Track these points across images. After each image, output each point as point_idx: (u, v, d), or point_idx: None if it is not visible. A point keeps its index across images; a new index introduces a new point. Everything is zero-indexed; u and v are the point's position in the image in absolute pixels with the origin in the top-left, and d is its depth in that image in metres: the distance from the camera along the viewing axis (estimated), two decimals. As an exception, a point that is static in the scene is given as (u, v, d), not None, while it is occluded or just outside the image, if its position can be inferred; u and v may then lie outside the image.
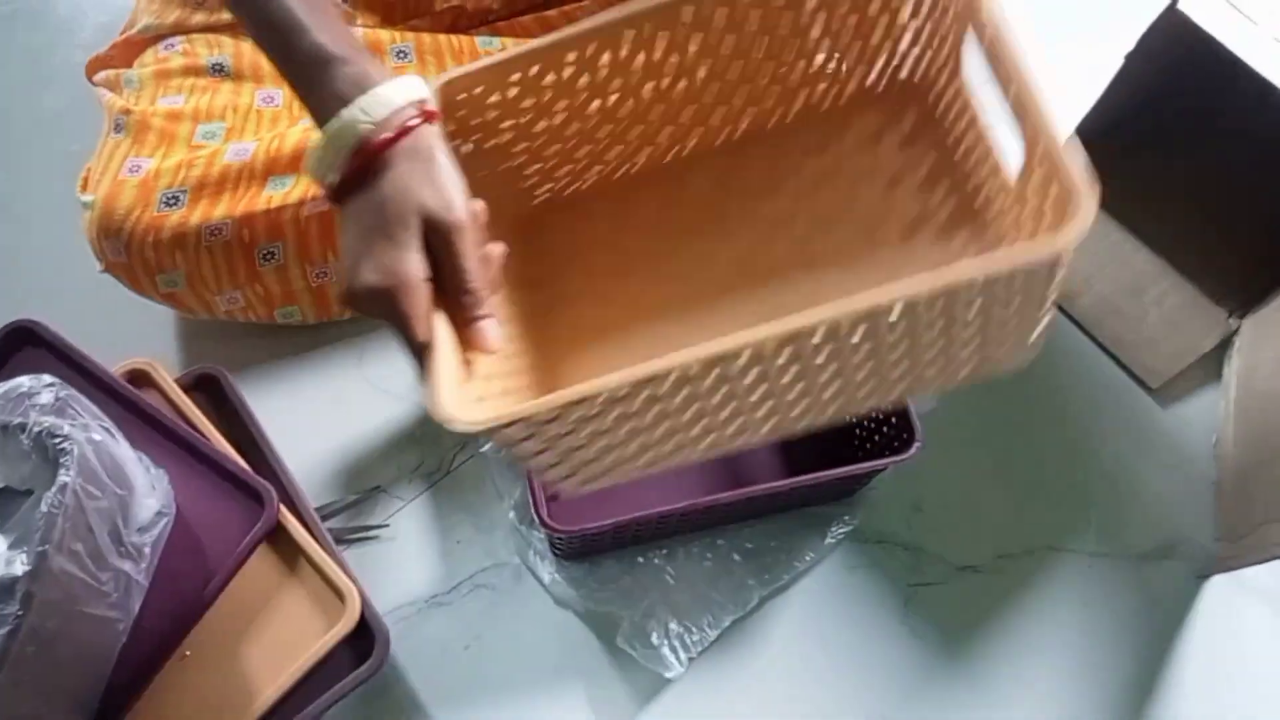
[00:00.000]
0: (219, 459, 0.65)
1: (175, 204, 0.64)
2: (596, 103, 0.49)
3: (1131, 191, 0.86)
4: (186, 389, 0.69)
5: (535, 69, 0.46)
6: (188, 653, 0.62)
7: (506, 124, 0.49)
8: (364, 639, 0.63)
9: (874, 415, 0.67)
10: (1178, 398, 0.78)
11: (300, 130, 0.67)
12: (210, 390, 0.70)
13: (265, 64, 0.71)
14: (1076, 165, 0.41)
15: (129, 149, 0.65)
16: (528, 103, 0.48)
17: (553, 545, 0.67)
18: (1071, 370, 0.79)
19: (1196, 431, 0.77)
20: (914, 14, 0.49)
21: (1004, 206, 0.47)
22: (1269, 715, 0.67)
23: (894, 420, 0.65)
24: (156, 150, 0.65)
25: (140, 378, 0.68)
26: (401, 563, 0.68)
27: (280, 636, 0.62)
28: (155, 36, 0.71)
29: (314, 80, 0.42)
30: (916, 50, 0.51)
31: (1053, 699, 0.66)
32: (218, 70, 0.70)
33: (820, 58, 0.50)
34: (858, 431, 0.70)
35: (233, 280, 0.68)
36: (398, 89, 0.41)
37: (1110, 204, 0.84)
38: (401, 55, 0.74)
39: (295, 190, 0.66)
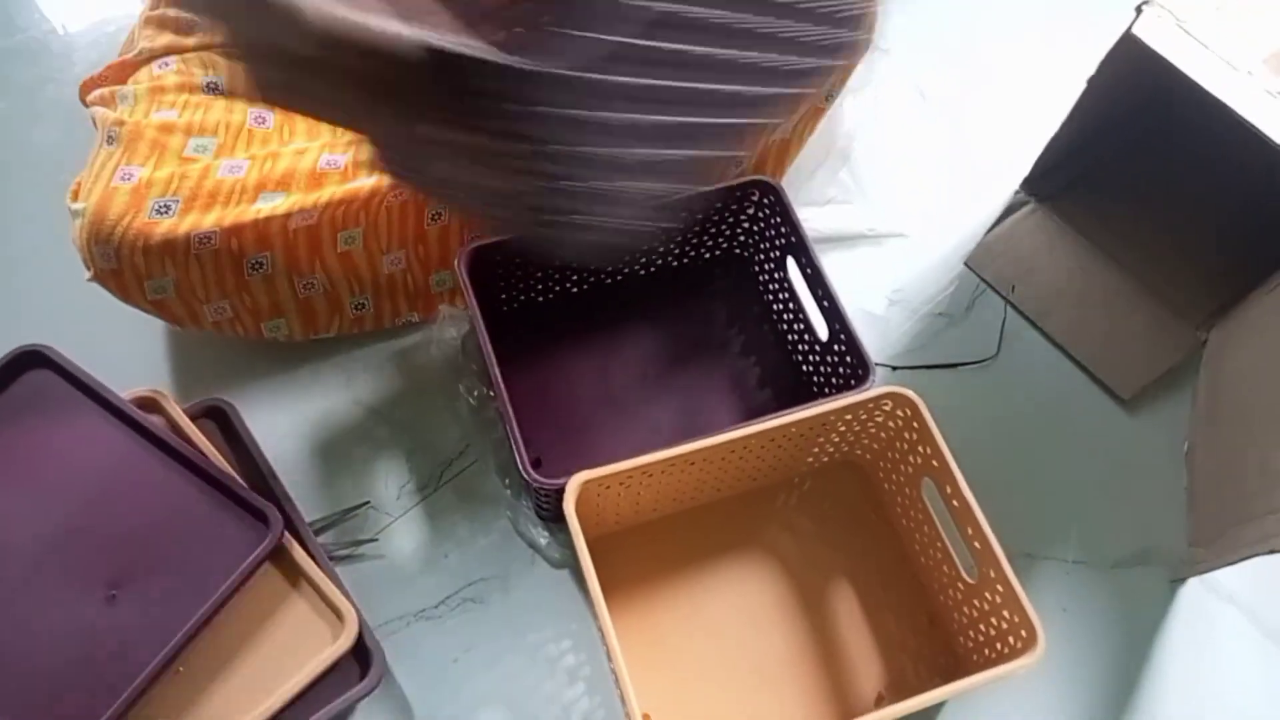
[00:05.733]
0: (226, 481, 0.66)
1: (166, 212, 0.65)
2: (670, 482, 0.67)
3: (1098, 210, 0.89)
4: (194, 418, 0.70)
5: (648, 472, 0.63)
6: (180, 669, 0.62)
7: (628, 490, 0.66)
8: (358, 657, 0.64)
9: (827, 361, 0.74)
10: (1149, 408, 0.80)
11: (291, 151, 0.69)
12: (217, 420, 0.72)
13: None
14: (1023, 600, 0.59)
15: (121, 158, 0.67)
16: (640, 480, 0.65)
17: (539, 508, 0.69)
18: (1046, 385, 0.81)
19: (1168, 440, 0.79)
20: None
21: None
22: (1241, 711, 0.69)
23: (849, 359, 0.70)
24: (148, 159, 0.67)
25: (149, 405, 0.70)
26: (389, 577, 0.69)
27: (276, 655, 0.63)
28: (149, 57, 0.73)
29: None
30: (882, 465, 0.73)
31: (1031, 700, 0.67)
32: (213, 89, 0.71)
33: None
34: (815, 379, 0.76)
35: (221, 289, 0.69)
36: None
37: (1078, 222, 0.88)
38: None
39: (283, 204, 0.67)
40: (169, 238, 0.65)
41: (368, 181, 0.69)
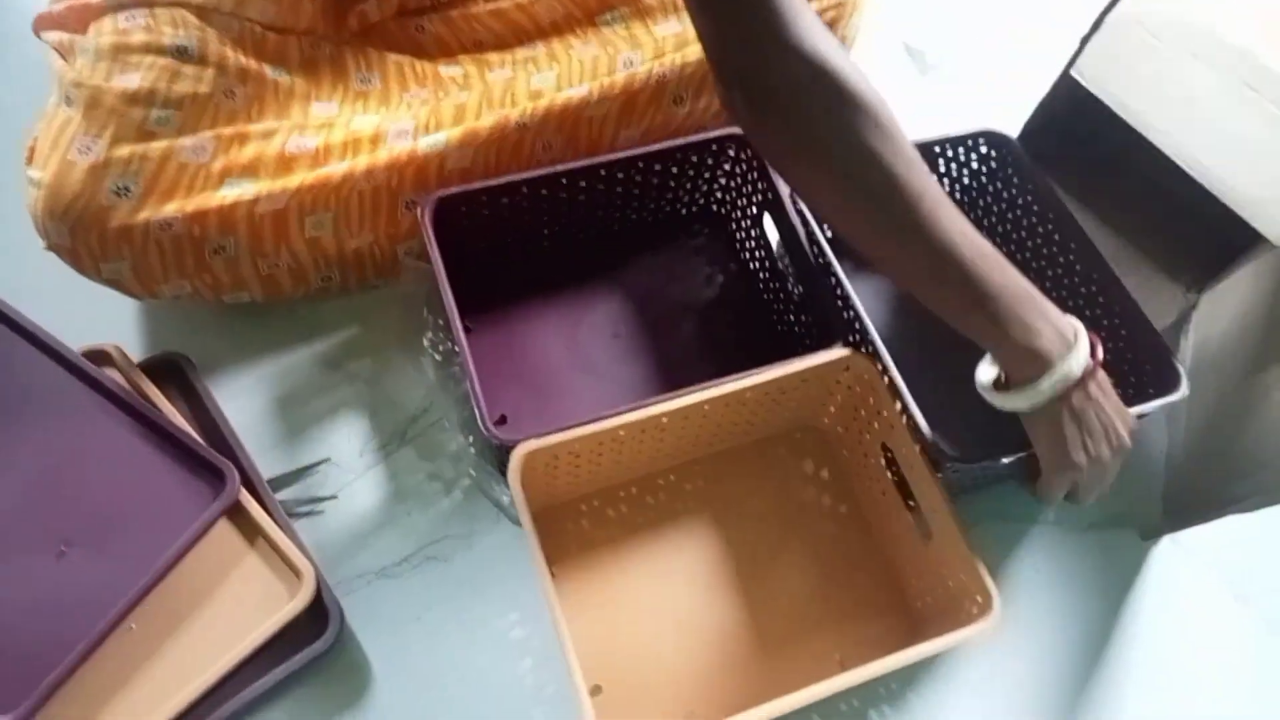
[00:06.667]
0: (180, 436, 0.65)
1: (125, 194, 0.63)
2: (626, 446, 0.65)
3: (1088, 171, 0.86)
4: (148, 372, 0.69)
5: (599, 440, 0.62)
6: (133, 626, 0.61)
7: (579, 458, 0.64)
8: (316, 615, 0.63)
9: (803, 322, 0.72)
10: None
11: (259, 132, 0.66)
12: (172, 373, 0.70)
13: (230, 54, 0.69)
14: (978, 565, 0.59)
15: (79, 126, 0.64)
16: (590, 448, 0.63)
17: (502, 466, 0.67)
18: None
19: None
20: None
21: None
22: (1211, 669, 0.69)
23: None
24: (105, 130, 0.64)
25: (102, 358, 0.68)
26: (350, 535, 0.68)
27: (233, 613, 0.62)
28: (116, 6, 0.68)
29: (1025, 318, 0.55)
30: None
31: (1003, 661, 0.67)
32: (180, 53, 0.67)
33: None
34: (791, 340, 0.74)
35: (180, 271, 0.67)
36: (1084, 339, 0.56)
37: (1067, 183, 0.85)
38: (365, 81, 0.74)
39: (250, 190, 0.65)
40: (127, 223, 0.63)
41: (340, 167, 0.67)
